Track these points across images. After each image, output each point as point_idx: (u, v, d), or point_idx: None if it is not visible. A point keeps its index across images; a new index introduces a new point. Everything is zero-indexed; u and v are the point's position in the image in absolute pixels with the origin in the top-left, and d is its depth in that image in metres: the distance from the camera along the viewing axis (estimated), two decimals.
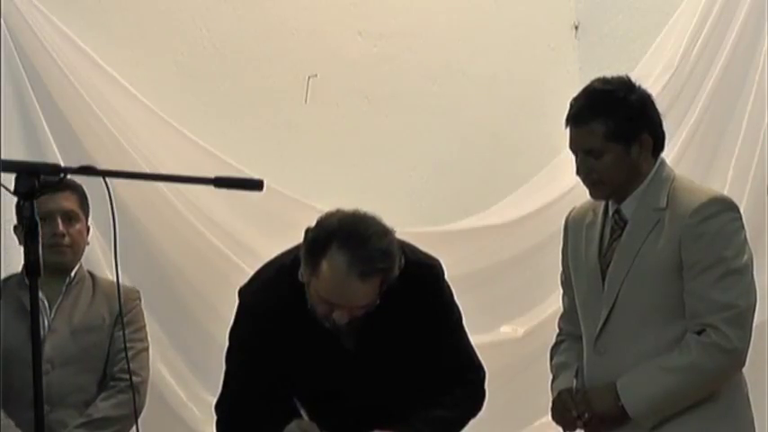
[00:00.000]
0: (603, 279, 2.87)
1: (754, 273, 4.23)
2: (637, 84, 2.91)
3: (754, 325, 4.42)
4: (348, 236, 2.62)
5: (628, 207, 2.86)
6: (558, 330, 3.13)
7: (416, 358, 2.82)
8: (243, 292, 2.90)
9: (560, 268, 3.11)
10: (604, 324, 2.85)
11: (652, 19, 4.85)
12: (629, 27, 4.98)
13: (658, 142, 2.88)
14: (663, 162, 2.90)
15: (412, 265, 2.77)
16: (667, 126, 4.63)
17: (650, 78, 4.67)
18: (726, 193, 4.55)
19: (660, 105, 4.59)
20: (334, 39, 4.58)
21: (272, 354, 2.80)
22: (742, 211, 4.45)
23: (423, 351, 2.83)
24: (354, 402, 2.80)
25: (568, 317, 3.06)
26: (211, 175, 2.39)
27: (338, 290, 2.64)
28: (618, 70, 4.90)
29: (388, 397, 2.80)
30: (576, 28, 5.12)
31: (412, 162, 4.70)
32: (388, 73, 4.68)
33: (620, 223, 2.87)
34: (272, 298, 2.82)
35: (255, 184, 2.44)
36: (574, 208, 3.07)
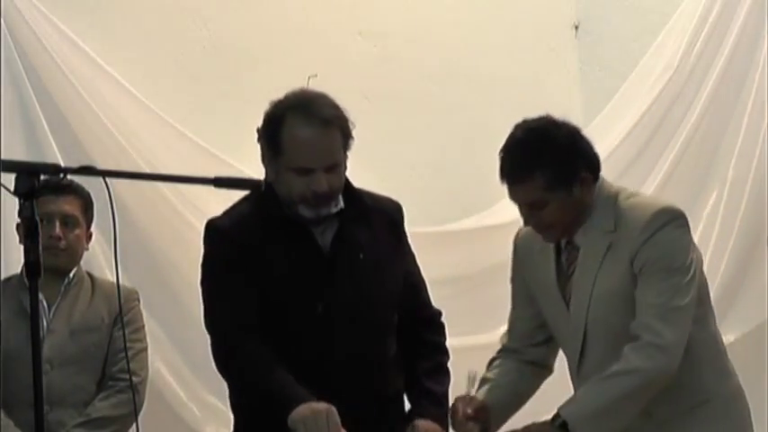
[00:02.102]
0: (569, 311, 2.82)
1: (754, 273, 4.24)
2: (560, 119, 2.81)
3: (754, 325, 4.47)
4: (296, 104, 2.80)
5: (578, 235, 2.80)
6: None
7: (388, 274, 2.90)
8: (209, 222, 2.92)
9: (512, 286, 3.02)
10: (581, 355, 2.82)
11: (652, 19, 4.85)
12: (629, 27, 4.99)
13: (596, 170, 2.80)
14: (602, 182, 2.82)
15: (377, 196, 2.99)
16: (667, 126, 4.69)
17: (650, 78, 4.69)
18: (726, 193, 4.59)
19: (660, 105, 4.67)
20: (334, 39, 4.58)
21: (247, 272, 2.81)
22: (742, 211, 4.53)
23: (392, 269, 2.91)
24: (333, 324, 2.81)
25: (510, 334, 3.00)
26: (211, 175, 2.40)
27: (306, 148, 2.76)
28: (618, 70, 4.97)
29: (366, 312, 2.83)
30: (576, 28, 5.13)
31: (412, 162, 4.70)
32: (388, 73, 4.68)
33: (573, 253, 2.81)
34: (240, 215, 2.89)
35: (255, 184, 2.44)
36: (520, 230, 2.99)
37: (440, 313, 3.06)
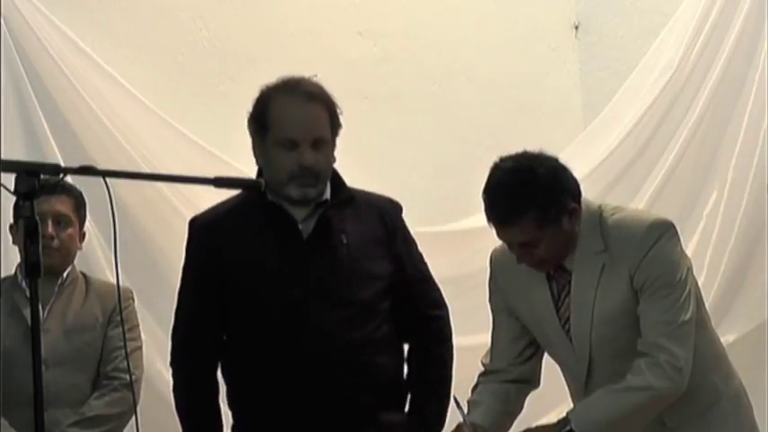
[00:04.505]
0: (569, 336, 2.80)
1: (754, 273, 4.23)
2: (536, 151, 2.77)
3: (754, 325, 4.47)
4: (282, 85, 2.90)
5: (568, 259, 2.78)
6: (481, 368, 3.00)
7: (374, 260, 2.92)
8: (190, 220, 3.00)
9: (491, 306, 3.00)
10: (587, 379, 2.81)
11: (652, 19, 4.86)
12: (629, 27, 4.99)
13: (579, 197, 2.77)
14: (583, 202, 2.78)
15: (372, 193, 3.02)
16: (667, 126, 4.69)
17: (650, 78, 4.69)
18: (726, 193, 4.59)
19: (660, 105, 4.67)
20: (334, 39, 4.58)
21: (224, 267, 2.89)
22: (742, 211, 4.53)
23: (380, 256, 2.93)
24: (312, 310, 2.84)
25: (494, 354, 2.97)
26: (211, 175, 2.40)
27: (292, 119, 2.83)
28: (618, 70, 4.97)
29: (346, 296, 2.86)
30: (576, 28, 5.13)
31: (412, 162, 4.70)
32: (388, 73, 4.69)
33: (564, 277, 2.79)
34: (222, 206, 2.97)
35: (255, 185, 2.44)
36: (494, 252, 2.98)
37: (440, 317, 3.06)
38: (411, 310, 3.00)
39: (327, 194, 2.90)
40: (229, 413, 3.01)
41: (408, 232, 3.07)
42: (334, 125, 2.88)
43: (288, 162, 2.82)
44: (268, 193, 2.89)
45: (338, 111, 2.89)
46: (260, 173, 2.94)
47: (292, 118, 2.83)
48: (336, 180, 2.94)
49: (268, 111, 2.87)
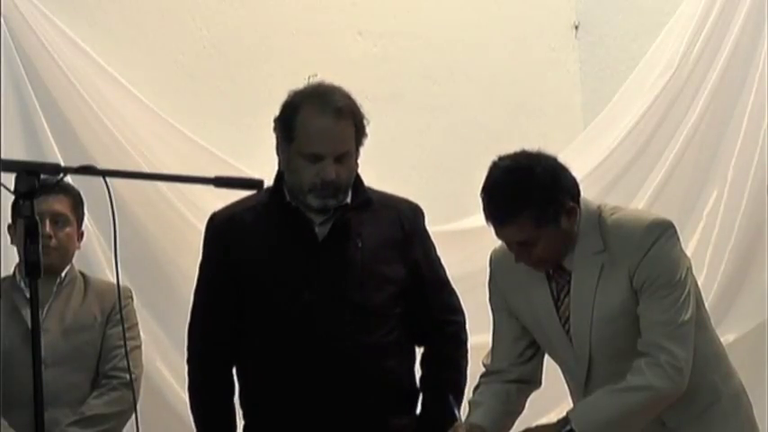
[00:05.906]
0: (568, 336, 2.80)
1: (754, 273, 4.23)
2: (535, 151, 2.76)
3: (754, 325, 4.47)
4: (312, 94, 2.87)
5: (567, 259, 2.77)
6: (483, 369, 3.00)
7: (389, 263, 2.93)
8: (210, 216, 3.01)
9: (491, 306, 2.99)
10: (587, 379, 2.80)
11: (652, 19, 4.86)
12: (629, 27, 4.99)
13: (578, 196, 2.76)
14: (582, 202, 2.77)
15: (392, 196, 3.03)
16: (667, 126, 4.70)
17: (650, 78, 4.69)
18: (726, 193, 4.59)
19: (660, 105, 4.67)
20: (334, 39, 4.59)
21: (237, 265, 2.89)
22: (742, 211, 4.54)
23: (394, 260, 2.93)
24: (322, 314, 2.84)
25: (495, 354, 2.97)
26: (211, 175, 2.40)
27: (318, 135, 2.81)
28: (618, 70, 4.97)
29: (358, 298, 2.87)
30: (576, 28, 5.13)
31: (412, 162, 4.70)
32: (388, 73, 4.69)
33: (564, 277, 2.79)
34: (240, 205, 2.97)
35: (255, 184, 2.45)
36: (495, 249, 2.97)
37: (456, 322, 3.07)
38: (427, 315, 3.01)
39: (348, 198, 2.90)
40: (241, 413, 3.02)
41: (428, 236, 3.07)
42: (359, 136, 2.89)
43: (310, 174, 2.82)
44: (287, 193, 2.90)
45: (365, 121, 2.89)
46: (280, 174, 2.94)
47: (319, 133, 2.82)
48: (356, 182, 2.94)
49: (295, 120, 2.84)
